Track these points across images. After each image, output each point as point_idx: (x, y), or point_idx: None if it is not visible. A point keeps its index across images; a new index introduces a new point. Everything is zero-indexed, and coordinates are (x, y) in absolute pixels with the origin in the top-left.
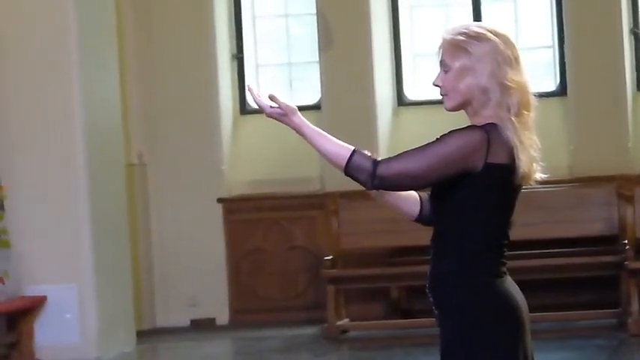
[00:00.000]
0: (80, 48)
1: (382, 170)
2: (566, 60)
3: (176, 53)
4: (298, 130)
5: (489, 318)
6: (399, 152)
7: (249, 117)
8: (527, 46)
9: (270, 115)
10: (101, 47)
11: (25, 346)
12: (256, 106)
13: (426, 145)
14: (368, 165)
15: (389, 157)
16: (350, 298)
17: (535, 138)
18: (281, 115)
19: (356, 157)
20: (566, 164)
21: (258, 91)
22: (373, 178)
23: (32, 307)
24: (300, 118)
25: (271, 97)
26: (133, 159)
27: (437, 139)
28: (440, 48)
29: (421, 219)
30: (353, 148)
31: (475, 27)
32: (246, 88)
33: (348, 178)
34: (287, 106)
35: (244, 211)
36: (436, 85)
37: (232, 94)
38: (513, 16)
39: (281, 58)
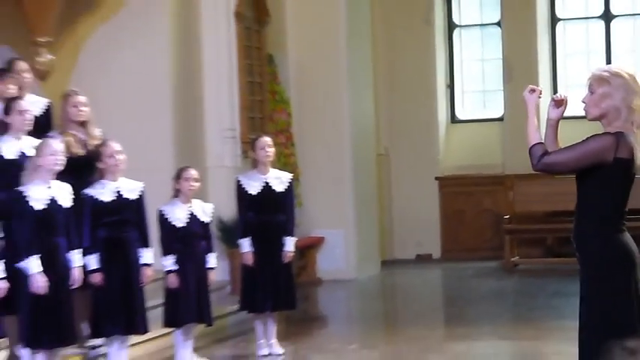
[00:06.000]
0: (348, 74)
1: (545, 159)
2: None
3: (409, 81)
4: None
5: (612, 259)
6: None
7: (457, 125)
8: None
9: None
10: (361, 73)
11: (310, 268)
12: (462, 118)
13: (575, 144)
14: (539, 154)
15: (550, 152)
16: (520, 243)
17: None
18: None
19: (536, 146)
20: None
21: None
22: (538, 162)
23: (315, 244)
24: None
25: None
26: (381, 150)
27: (583, 140)
28: (589, 79)
29: None
30: (540, 139)
31: (614, 67)
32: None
33: (522, 164)
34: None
35: (452, 185)
36: (583, 102)
37: (446, 109)
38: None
39: (476, 86)
